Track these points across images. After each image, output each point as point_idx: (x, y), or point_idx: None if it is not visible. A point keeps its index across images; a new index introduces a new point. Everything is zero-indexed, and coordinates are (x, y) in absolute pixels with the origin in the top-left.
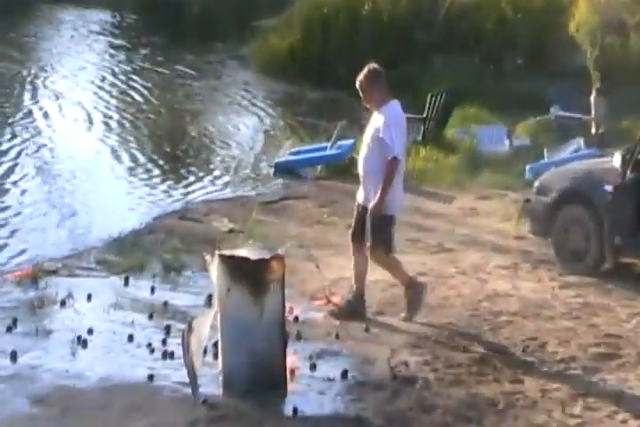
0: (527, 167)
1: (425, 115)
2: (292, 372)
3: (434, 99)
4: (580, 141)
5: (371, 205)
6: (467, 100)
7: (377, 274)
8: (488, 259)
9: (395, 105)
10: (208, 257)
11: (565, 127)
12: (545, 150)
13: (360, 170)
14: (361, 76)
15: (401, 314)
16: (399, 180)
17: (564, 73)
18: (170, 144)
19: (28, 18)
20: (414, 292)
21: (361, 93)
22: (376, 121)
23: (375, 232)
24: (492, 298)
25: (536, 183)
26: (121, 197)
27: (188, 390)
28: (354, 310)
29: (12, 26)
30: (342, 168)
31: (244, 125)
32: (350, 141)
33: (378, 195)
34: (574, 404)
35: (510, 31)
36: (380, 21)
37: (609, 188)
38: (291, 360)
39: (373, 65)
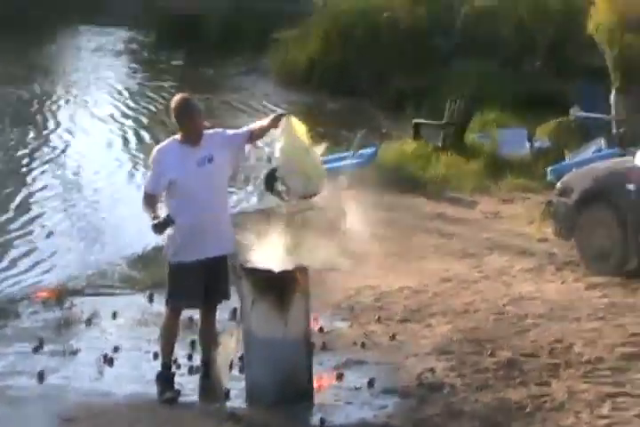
0: (549, 169)
1: (444, 120)
2: (319, 383)
3: (453, 104)
4: (601, 141)
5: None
6: (486, 104)
7: (401, 281)
8: (512, 262)
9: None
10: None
11: (586, 128)
12: (566, 152)
13: (208, 214)
14: (186, 109)
15: None
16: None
17: (584, 73)
18: None
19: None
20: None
21: (189, 125)
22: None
23: None
24: (517, 301)
25: (558, 185)
26: (142, 214)
27: (215, 405)
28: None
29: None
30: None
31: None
32: (372, 149)
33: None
34: (602, 405)
35: (528, 34)
36: (398, 29)
37: (631, 187)
38: (317, 371)
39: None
